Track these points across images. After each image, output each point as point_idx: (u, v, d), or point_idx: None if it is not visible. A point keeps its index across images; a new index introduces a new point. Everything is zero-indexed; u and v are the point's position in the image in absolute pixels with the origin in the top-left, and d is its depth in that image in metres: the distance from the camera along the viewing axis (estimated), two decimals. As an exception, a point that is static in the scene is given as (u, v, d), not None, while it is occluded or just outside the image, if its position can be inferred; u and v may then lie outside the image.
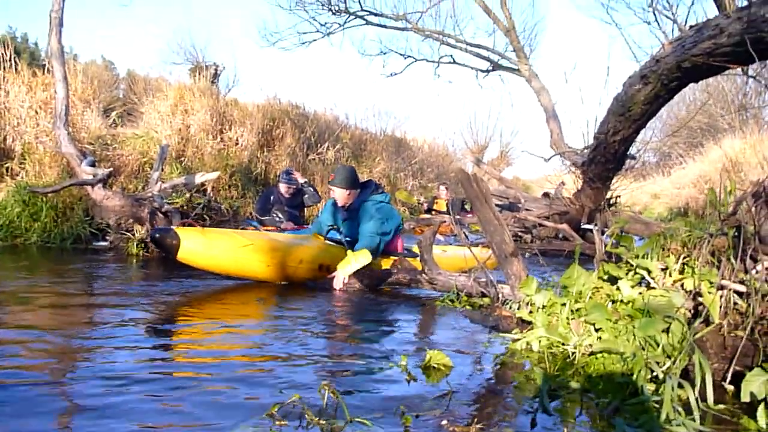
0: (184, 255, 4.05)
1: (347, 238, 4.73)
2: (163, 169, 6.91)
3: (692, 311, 2.58)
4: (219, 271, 4.30)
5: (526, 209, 7.91)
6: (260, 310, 3.81)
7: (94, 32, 53.14)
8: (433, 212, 11.27)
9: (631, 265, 2.85)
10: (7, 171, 7.40)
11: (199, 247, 4.08)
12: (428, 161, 18.91)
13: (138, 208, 6.03)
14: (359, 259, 4.34)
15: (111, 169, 6.30)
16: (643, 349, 2.43)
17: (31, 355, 2.41)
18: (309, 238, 4.90)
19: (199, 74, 11.79)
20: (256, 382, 2.18)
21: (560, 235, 7.41)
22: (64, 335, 2.74)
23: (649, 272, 2.75)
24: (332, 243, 4.78)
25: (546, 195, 9.58)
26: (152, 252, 6.12)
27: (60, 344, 2.59)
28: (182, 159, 9.38)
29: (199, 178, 6.80)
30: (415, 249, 5.10)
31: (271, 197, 7.18)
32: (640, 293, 2.70)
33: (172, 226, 4.43)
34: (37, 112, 7.96)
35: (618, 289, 2.79)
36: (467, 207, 11.22)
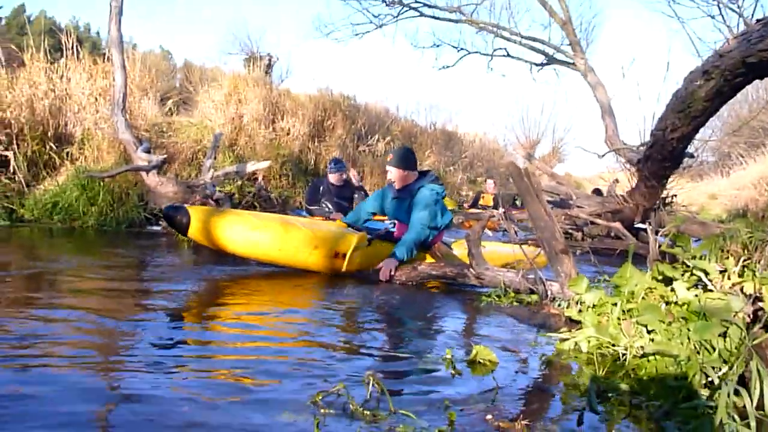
0: (193, 233, 4.05)
1: (394, 221, 4.70)
2: (215, 157, 7.03)
3: (751, 316, 2.47)
4: (229, 251, 4.22)
5: (578, 206, 7.76)
6: (307, 300, 3.83)
7: (154, 22, 54.40)
8: (480, 207, 11.15)
9: (688, 266, 2.75)
10: (67, 156, 7.63)
11: (209, 225, 4.06)
12: (479, 155, 18.78)
13: (190, 195, 6.15)
14: (406, 252, 4.33)
15: (165, 156, 6.44)
16: (698, 353, 2.35)
17: (80, 339, 2.47)
18: (329, 224, 4.82)
19: (254, 65, 11.95)
20: (301, 371, 2.18)
21: (612, 234, 7.25)
22: (114, 319, 2.80)
23: (707, 274, 2.65)
24: (354, 230, 4.67)
25: (597, 191, 9.39)
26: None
27: (109, 328, 2.64)
28: (235, 148, 9.53)
29: (250, 167, 6.90)
30: (457, 244, 5.05)
31: (321, 187, 7.21)
32: (696, 295, 2.60)
33: (185, 204, 4.42)
34: (96, 99, 8.18)
35: (673, 290, 2.70)
36: (518, 203, 11.07)
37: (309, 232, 4.30)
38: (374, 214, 4.94)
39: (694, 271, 2.69)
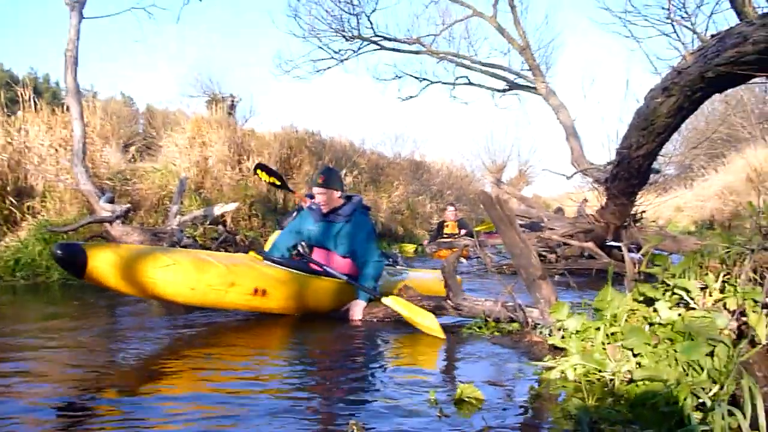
0: (91, 275, 3.42)
1: (333, 248, 4.40)
2: (182, 202, 6.90)
3: (737, 332, 2.44)
4: (135, 294, 3.69)
5: (550, 228, 7.76)
6: (280, 343, 3.71)
7: (114, 70, 54.20)
8: (444, 235, 11.07)
9: (668, 285, 2.72)
10: (28, 209, 7.43)
11: (110, 265, 3.45)
12: (447, 183, 18.83)
13: (157, 243, 5.99)
14: (371, 290, 4.21)
15: (129, 205, 6.29)
16: (687, 374, 2.30)
17: (54, 402, 2.33)
18: (245, 258, 4.33)
19: (216, 106, 11.88)
20: (282, 419, 2.08)
21: (586, 254, 7.26)
22: (87, 375, 2.66)
23: (688, 292, 2.61)
24: (272, 263, 4.23)
25: (559, 210, 9.40)
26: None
27: (75, 382, 2.51)
28: (201, 191, 9.40)
29: (218, 210, 6.79)
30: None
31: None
32: (680, 315, 2.56)
33: (79, 242, 3.76)
34: (57, 150, 8.02)
35: (655, 310, 2.66)
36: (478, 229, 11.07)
37: (223, 268, 3.84)
38: (295, 246, 4.46)
39: (675, 290, 2.65)
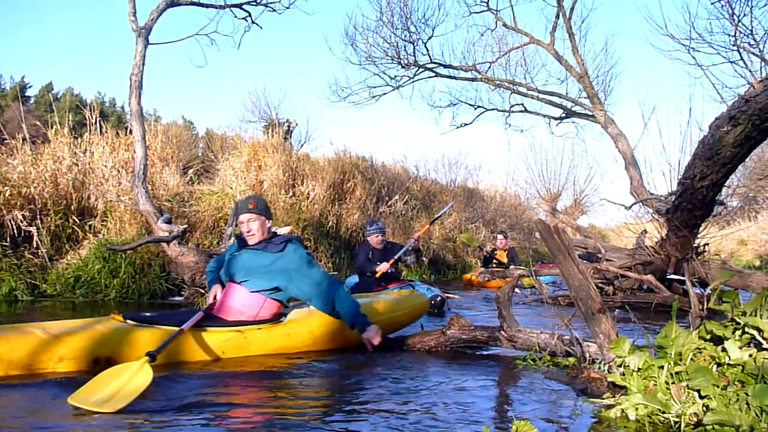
0: None
1: (244, 281, 3.83)
2: (236, 225, 6.99)
3: (814, 376, 2.28)
4: None
5: (607, 259, 7.55)
6: (318, 385, 3.33)
7: (177, 95, 55.97)
8: (495, 262, 10.90)
9: (738, 324, 2.57)
10: (89, 228, 7.67)
11: None
12: (500, 211, 18.64)
13: (212, 264, 6.07)
14: (359, 315, 3.85)
15: (185, 226, 6.41)
16: (760, 420, 2.15)
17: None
18: (102, 320, 3.51)
19: (273, 131, 12.09)
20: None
21: (645, 287, 7.02)
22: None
23: (760, 332, 2.46)
24: (137, 323, 3.47)
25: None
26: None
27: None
28: (256, 214, 9.51)
29: (271, 233, 6.85)
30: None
31: (369, 252, 6.89)
32: (751, 355, 2.42)
33: None
34: (119, 171, 8.27)
35: (724, 350, 2.51)
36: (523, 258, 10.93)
37: (46, 338, 3.11)
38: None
39: (747, 329, 2.51)
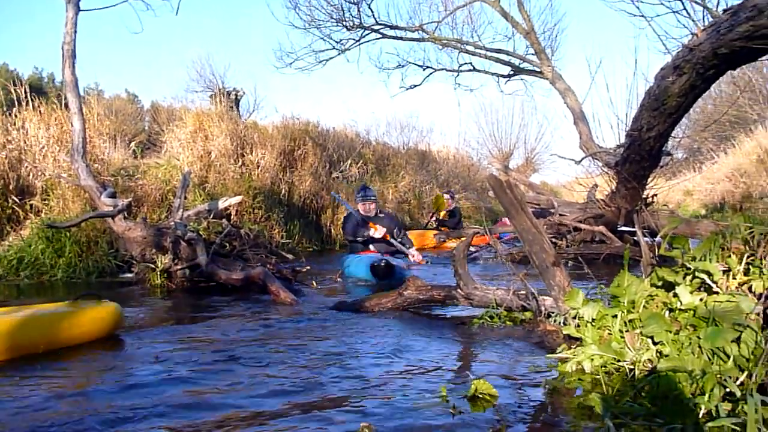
0: None
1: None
2: (185, 197, 6.78)
3: (763, 316, 2.31)
4: None
5: (560, 214, 7.63)
6: (283, 346, 3.39)
7: (118, 66, 54.12)
8: (439, 221, 11.15)
9: (688, 269, 2.58)
10: (30, 208, 7.35)
11: None
12: (454, 172, 18.68)
13: (160, 238, 5.88)
14: None
15: (130, 199, 6.15)
16: (712, 362, 2.17)
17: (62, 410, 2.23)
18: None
19: (219, 100, 11.75)
20: (292, 422, 1.98)
21: (597, 239, 7.12)
22: (88, 379, 2.56)
23: (710, 275, 2.48)
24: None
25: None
26: (175, 282, 5.97)
27: (83, 389, 2.41)
28: (205, 185, 9.29)
29: (222, 203, 6.67)
30: None
31: (356, 221, 6.75)
32: (702, 299, 2.44)
33: None
34: (58, 148, 7.92)
35: (675, 296, 2.53)
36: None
37: None
38: None
39: (697, 274, 2.52)
